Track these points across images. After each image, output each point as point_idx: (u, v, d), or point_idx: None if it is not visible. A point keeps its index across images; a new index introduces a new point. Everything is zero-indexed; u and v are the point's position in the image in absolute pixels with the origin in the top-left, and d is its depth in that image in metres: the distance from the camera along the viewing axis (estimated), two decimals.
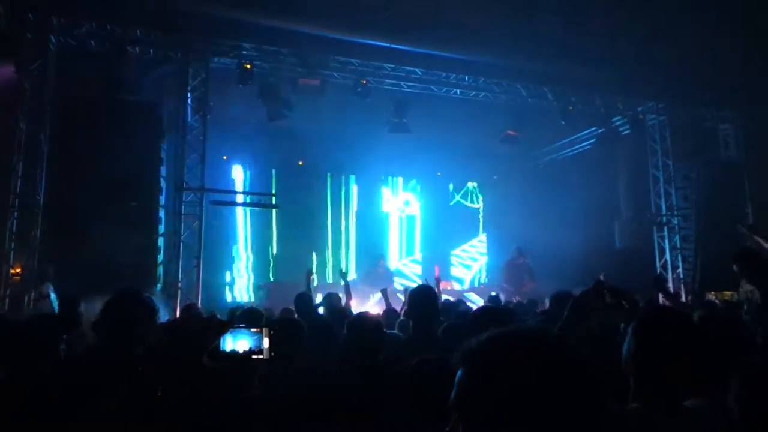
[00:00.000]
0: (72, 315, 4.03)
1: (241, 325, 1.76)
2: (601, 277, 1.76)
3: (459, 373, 0.92)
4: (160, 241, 7.91)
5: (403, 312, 4.45)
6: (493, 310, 3.51)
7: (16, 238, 7.31)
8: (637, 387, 1.58)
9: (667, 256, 10.65)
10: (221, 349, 1.63)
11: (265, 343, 1.72)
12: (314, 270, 8.95)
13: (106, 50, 7.94)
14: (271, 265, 11.66)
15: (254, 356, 1.68)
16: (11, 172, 7.35)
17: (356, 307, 8.33)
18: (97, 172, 7.18)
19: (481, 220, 14.04)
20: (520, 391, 0.84)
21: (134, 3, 7.76)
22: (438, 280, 7.42)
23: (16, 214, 7.37)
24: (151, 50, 8.36)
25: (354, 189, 12.82)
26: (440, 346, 2.89)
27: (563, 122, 10.30)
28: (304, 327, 3.03)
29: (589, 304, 1.75)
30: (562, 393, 0.84)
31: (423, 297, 3.46)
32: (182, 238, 8.05)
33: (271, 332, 1.74)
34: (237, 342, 1.68)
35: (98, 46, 8.02)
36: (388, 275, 11.20)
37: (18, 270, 7.26)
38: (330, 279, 11.57)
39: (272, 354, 1.68)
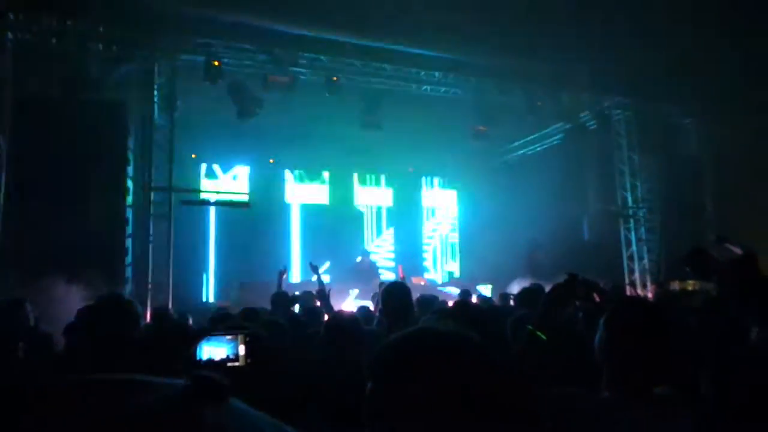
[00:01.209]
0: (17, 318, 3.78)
1: (217, 332, 1.73)
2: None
3: (368, 385, 0.86)
4: (128, 243, 7.74)
5: (377, 311, 4.43)
6: (466, 305, 3.52)
7: None
8: (609, 376, 1.61)
9: (634, 247, 10.92)
10: (198, 358, 1.60)
11: (241, 350, 1.70)
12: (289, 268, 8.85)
13: (68, 47, 7.71)
14: (244, 264, 11.52)
15: (229, 364, 1.66)
16: None
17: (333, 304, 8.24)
18: (60, 174, 6.97)
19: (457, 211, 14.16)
20: (423, 396, 0.79)
21: None
22: (402, 279, 7.37)
23: None
24: (114, 47, 8.15)
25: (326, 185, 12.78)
26: None
27: (531, 117, 10.45)
28: (287, 328, 3.00)
29: (562, 297, 1.78)
30: (470, 395, 0.80)
31: (396, 293, 3.41)
32: (151, 238, 7.91)
33: (247, 339, 1.71)
34: (213, 349, 1.66)
35: (59, 43, 7.78)
36: (374, 270, 11.02)
37: None
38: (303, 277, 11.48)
39: (248, 361, 1.66)
